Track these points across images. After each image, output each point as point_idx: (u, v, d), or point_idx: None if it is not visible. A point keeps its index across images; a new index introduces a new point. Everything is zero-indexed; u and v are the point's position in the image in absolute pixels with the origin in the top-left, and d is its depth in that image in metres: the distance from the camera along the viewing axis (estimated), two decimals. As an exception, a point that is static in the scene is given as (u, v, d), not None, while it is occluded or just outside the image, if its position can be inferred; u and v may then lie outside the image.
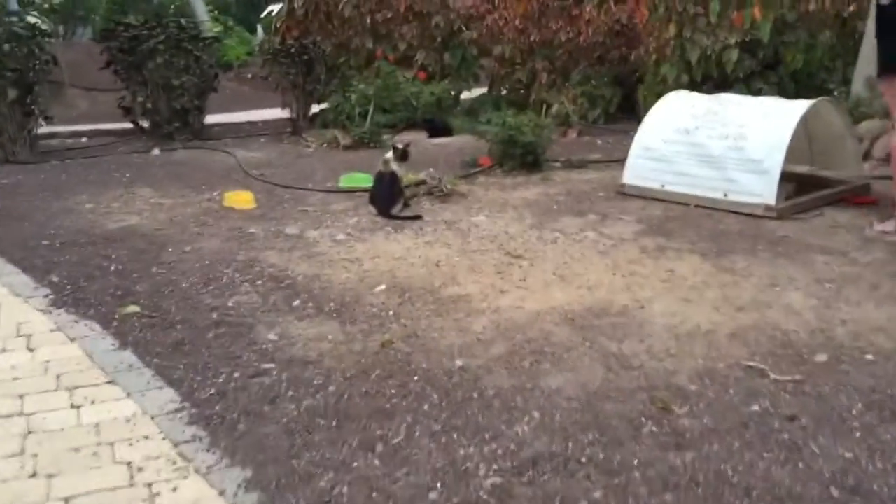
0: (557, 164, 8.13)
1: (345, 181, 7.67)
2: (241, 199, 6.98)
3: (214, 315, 4.46)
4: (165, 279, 5.07)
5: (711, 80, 9.33)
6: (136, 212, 6.84)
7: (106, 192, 7.59)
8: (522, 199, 6.84)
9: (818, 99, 6.29)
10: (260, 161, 9.15)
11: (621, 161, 8.19)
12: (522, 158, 7.79)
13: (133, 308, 4.58)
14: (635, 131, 10.64)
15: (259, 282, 4.99)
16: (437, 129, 10.48)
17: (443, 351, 3.89)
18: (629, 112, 12.09)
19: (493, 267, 5.07)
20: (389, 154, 6.69)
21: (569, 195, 6.91)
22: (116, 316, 4.47)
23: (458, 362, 3.75)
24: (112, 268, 5.32)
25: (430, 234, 5.85)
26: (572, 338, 3.95)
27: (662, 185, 6.45)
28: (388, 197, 6.44)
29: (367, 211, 6.58)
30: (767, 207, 5.85)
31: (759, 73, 9.01)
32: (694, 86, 9.40)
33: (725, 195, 6.08)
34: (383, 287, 4.82)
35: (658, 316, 4.17)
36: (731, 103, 6.54)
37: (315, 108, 11.64)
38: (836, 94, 8.80)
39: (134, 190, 7.70)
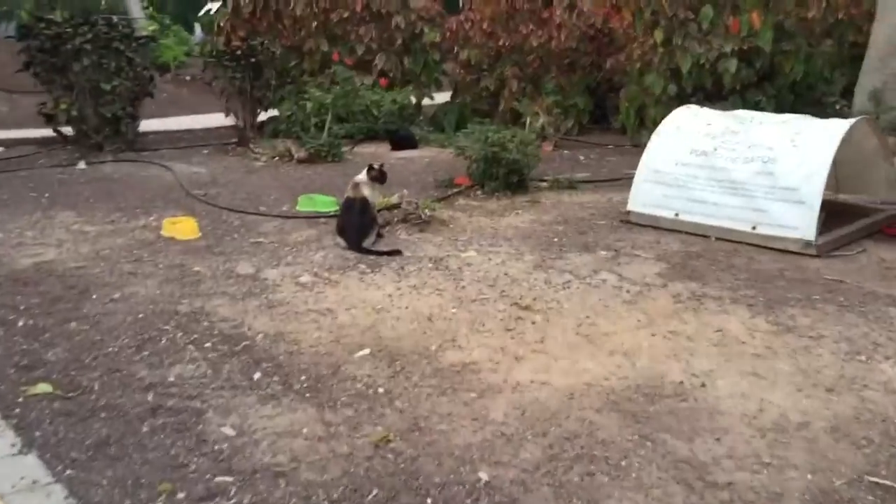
0: (544, 185, 7.25)
1: (303, 204, 6.65)
2: (182, 227, 5.91)
3: (150, 396, 3.43)
4: (87, 340, 4.01)
5: (702, 90, 8.57)
6: (54, 243, 5.71)
7: (18, 217, 6.42)
8: (514, 228, 5.92)
9: (856, 119, 5.52)
10: (203, 178, 8.06)
11: (613, 181, 7.40)
12: (506, 179, 6.89)
13: (43, 387, 3.52)
14: (614, 144, 9.98)
15: (208, 344, 3.96)
16: (401, 141, 9.52)
17: (458, 455, 2.94)
18: (601, 122, 11.37)
19: (499, 322, 4.14)
20: (361, 176, 5.71)
21: (567, 224, 6.01)
22: (20, 398, 3.42)
23: (483, 475, 2.80)
24: (19, 323, 4.24)
25: (414, 275, 4.88)
26: (625, 433, 3.04)
27: (676, 214, 5.60)
28: (359, 227, 5.45)
29: (333, 243, 5.58)
30: (806, 244, 5.04)
31: (756, 84, 8.28)
32: (683, 98, 8.64)
33: (753, 228, 5.26)
34: (367, 352, 3.84)
35: (727, 398, 3.28)
36: (752, 122, 5.73)
37: (262, 116, 10.57)
38: (837, 107, 8.13)
39: (53, 214, 6.55)
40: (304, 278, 4.89)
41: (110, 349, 3.91)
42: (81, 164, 8.61)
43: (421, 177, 7.84)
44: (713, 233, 5.41)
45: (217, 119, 11.02)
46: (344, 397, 3.39)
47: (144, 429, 3.16)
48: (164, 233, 5.87)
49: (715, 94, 8.42)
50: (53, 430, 3.15)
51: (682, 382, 3.42)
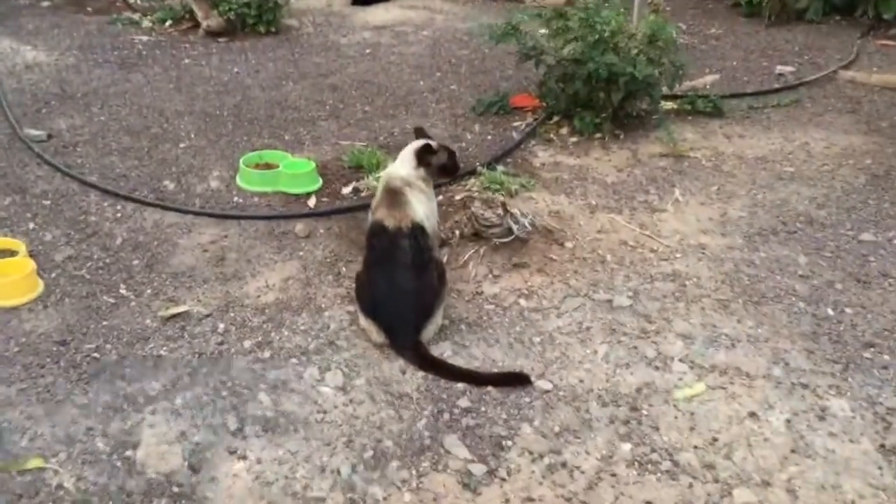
0: (664, 105, 4.12)
1: (248, 179, 3.42)
2: (6, 284, 2.67)
3: None
4: None
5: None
6: None
7: None
8: (699, 250, 2.92)
9: None
10: (44, 78, 4.52)
11: (772, 95, 4.42)
12: (619, 108, 3.80)
13: None
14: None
15: None
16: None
17: None
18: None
19: None
20: (403, 166, 2.59)
21: (801, 234, 3.03)
22: None
23: None
24: None
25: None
26: None
27: None
28: (415, 301, 2.39)
29: (351, 327, 2.52)
30: None
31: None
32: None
33: None
34: None
35: None
36: None
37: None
38: None
39: None
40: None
41: None
42: None
43: (435, 83, 4.57)
44: None
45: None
46: None
47: None
48: (-39, 290, 2.64)
49: None
50: None
51: None
